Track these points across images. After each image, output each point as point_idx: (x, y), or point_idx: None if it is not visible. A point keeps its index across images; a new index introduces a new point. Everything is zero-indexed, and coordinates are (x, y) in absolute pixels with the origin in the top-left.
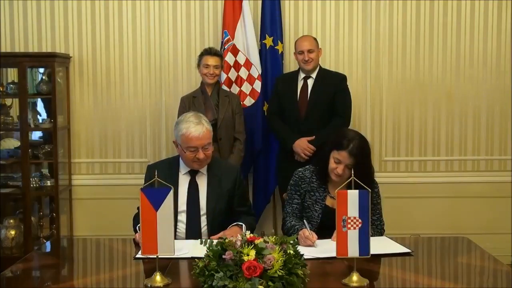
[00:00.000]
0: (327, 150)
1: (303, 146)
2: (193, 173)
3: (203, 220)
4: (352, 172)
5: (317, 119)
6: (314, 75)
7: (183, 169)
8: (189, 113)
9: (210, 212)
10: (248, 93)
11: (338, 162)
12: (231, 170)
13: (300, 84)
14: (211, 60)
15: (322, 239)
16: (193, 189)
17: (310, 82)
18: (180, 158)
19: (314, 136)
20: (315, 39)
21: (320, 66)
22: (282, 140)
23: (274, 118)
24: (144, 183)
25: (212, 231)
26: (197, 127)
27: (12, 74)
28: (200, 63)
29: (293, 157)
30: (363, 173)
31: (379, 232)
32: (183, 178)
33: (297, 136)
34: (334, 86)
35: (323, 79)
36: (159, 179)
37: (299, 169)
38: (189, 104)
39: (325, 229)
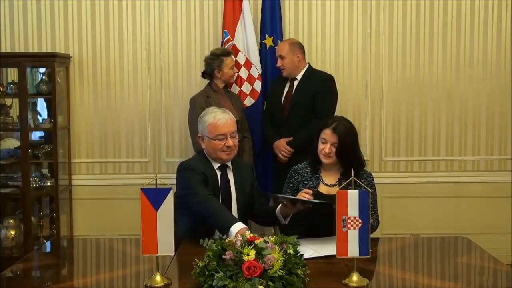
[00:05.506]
0: (315, 136)
1: (280, 147)
2: (223, 168)
3: (234, 214)
4: (352, 172)
5: (298, 121)
6: (299, 76)
7: (214, 164)
8: (210, 107)
9: (242, 207)
10: (248, 93)
11: (325, 142)
12: (248, 166)
13: (287, 85)
14: (233, 60)
15: (318, 238)
16: (224, 183)
17: (296, 84)
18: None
19: (292, 138)
20: (292, 43)
21: (309, 66)
22: (267, 140)
23: (264, 118)
24: (187, 183)
25: None
26: (223, 115)
27: (12, 74)
28: (221, 65)
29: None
30: (350, 154)
31: (374, 222)
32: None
33: (278, 137)
34: (316, 87)
35: (308, 80)
36: (200, 174)
37: (295, 165)
38: (205, 103)
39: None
